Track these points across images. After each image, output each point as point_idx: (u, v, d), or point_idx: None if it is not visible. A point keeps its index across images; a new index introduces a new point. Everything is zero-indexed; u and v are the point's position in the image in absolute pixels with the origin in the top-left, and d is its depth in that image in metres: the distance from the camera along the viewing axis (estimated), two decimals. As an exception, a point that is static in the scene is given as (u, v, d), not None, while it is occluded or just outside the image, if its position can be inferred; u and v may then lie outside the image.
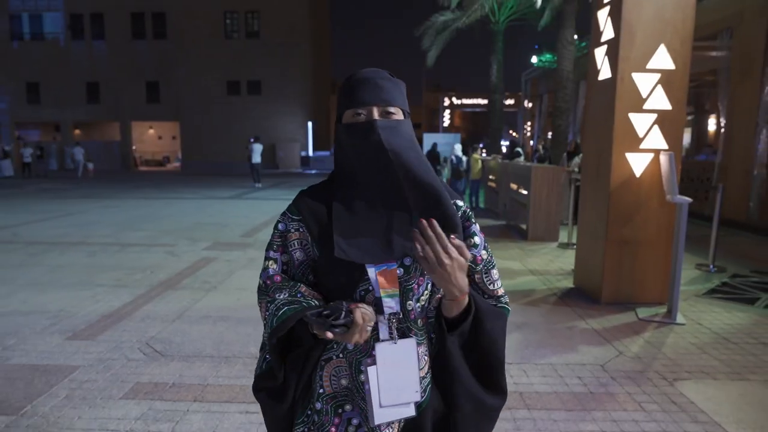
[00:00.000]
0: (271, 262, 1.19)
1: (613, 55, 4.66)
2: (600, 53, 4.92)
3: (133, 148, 34.51)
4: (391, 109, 1.11)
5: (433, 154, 14.10)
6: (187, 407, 2.84)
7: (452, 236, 1.03)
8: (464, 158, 11.74)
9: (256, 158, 18.26)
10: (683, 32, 4.52)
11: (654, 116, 4.62)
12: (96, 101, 33.43)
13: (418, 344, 1.14)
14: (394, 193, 1.08)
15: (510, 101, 35.31)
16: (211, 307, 4.60)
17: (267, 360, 1.19)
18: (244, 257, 6.62)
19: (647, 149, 4.65)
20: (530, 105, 27.17)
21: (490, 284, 1.23)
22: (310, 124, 33.03)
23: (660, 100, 4.59)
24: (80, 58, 33.01)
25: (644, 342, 3.92)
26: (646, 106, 4.61)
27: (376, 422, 1.08)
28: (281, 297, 1.10)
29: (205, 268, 6.04)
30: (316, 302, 1.08)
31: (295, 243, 1.17)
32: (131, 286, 5.29)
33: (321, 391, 1.15)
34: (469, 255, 1.05)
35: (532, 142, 25.21)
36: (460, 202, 1.21)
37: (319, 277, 1.17)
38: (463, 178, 11.77)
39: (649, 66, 4.56)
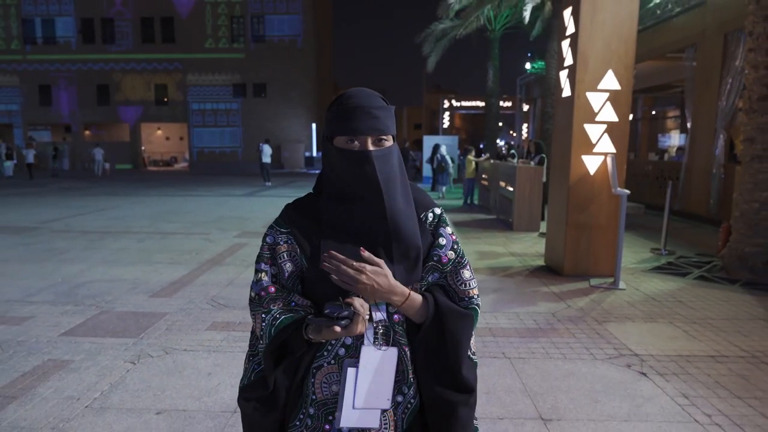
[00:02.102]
0: (263, 274, 1.22)
1: (572, 77, 5.87)
2: (563, 75, 6.13)
3: (142, 148, 35.68)
4: (384, 137, 1.15)
5: (431, 158, 15.36)
6: (254, 335, 4.05)
7: (361, 249, 1.12)
8: (448, 157, 13.32)
9: (266, 158, 19.46)
10: (626, 60, 5.72)
11: (604, 126, 5.82)
12: (106, 103, 34.58)
13: (406, 346, 1.20)
14: (378, 215, 1.14)
15: (508, 103, 36.49)
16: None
17: (256, 370, 1.22)
18: (270, 243, 7.82)
19: (599, 152, 5.86)
20: (527, 107, 28.36)
21: (460, 284, 1.26)
22: (314, 125, 34.24)
23: (609, 114, 5.80)
24: (91, 62, 34.18)
25: (589, 300, 5.13)
26: (597, 119, 5.81)
27: (342, 424, 1.15)
28: (276, 307, 1.16)
29: (241, 251, 7.26)
30: (310, 311, 1.16)
31: (284, 255, 1.20)
32: (183, 263, 6.50)
33: (313, 397, 1.19)
34: (376, 260, 1.12)
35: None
36: (437, 210, 1.29)
37: (307, 287, 1.21)
38: (444, 172, 13.59)
39: (599, 87, 5.76)
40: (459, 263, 1.26)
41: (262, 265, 1.22)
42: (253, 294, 1.21)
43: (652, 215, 10.63)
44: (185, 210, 11.95)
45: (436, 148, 14.76)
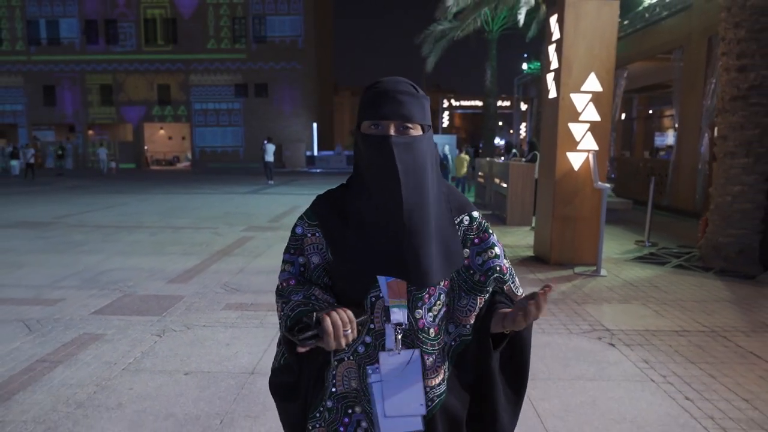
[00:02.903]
0: (287, 265, 1.23)
1: (557, 80, 6.30)
2: (550, 78, 6.57)
3: (145, 148, 36.15)
4: (409, 125, 1.11)
5: None
6: (265, 313, 4.49)
7: (544, 291, 1.05)
8: (449, 155, 13.84)
9: (269, 157, 19.91)
10: (607, 64, 6.16)
11: (587, 125, 6.26)
12: (109, 103, 35.06)
13: (428, 354, 1.16)
14: (395, 208, 1.09)
15: (507, 103, 37.00)
16: (261, 266, 6.26)
17: (285, 355, 1.24)
18: (276, 236, 8.27)
19: (582, 150, 6.29)
20: (525, 107, 28.81)
21: (517, 291, 1.27)
22: (314, 125, 34.70)
23: (591, 114, 6.24)
24: (95, 62, 34.64)
25: (571, 285, 5.57)
26: (581, 118, 6.25)
27: None
28: (296, 299, 1.15)
29: (248, 243, 7.71)
30: (327, 305, 1.12)
31: (312, 247, 1.21)
32: (195, 254, 6.94)
33: (333, 390, 1.18)
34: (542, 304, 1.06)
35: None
36: (475, 214, 1.24)
37: (333, 281, 1.21)
38: (445, 170, 14.25)
39: (582, 88, 6.20)
40: (511, 270, 1.28)
41: (288, 257, 1.23)
42: (278, 283, 1.23)
43: (640, 210, 11.03)
44: (192, 206, 12.40)
45: (434, 147, 15.34)
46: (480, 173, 13.59)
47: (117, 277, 5.68)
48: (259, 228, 9.17)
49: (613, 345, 3.88)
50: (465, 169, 13.91)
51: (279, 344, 1.29)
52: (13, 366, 3.41)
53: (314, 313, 1.04)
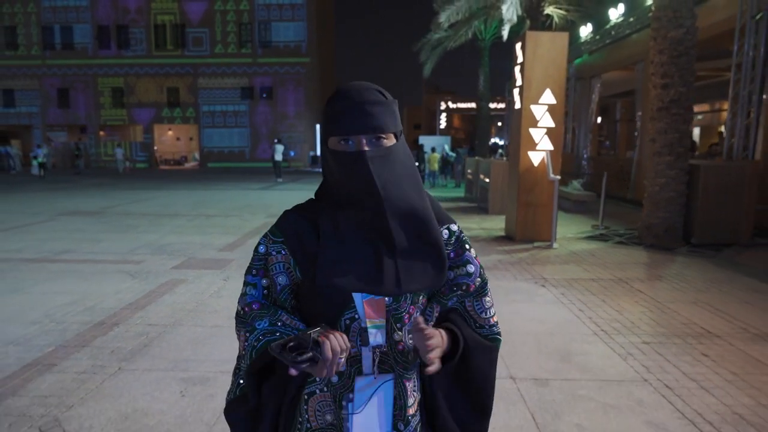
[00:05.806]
0: (249, 288, 1.15)
1: (521, 94, 7.96)
2: (516, 93, 8.23)
3: (155, 148, 37.82)
4: (382, 135, 1.05)
5: (419, 155, 17.86)
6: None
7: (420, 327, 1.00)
8: (452, 154, 15.66)
9: (278, 156, 21.57)
10: (559, 82, 7.82)
11: (544, 130, 7.92)
12: (120, 106, 36.73)
13: (407, 379, 1.12)
14: (380, 223, 1.05)
15: (501, 105, 38.67)
16: (287, 241, 7.92)
17: (240, 386, 1.17)
18: (294, 221, 9.93)
19: (540, 150, 7.95)
20: (518, 109, 30.53)
21: (481, 312, 1.20)
22: (317, 126, 36.39)
23: (547, 121, 7.89)
24: (106, 66, 36.31)
25: (528, 254, 7.23)
26: (539, 125, 7.91)
27: None
28: (261, 326, 1.08)
29: (272, 226, 9.36)
30: (297, 332, 1.05)
31: (278, 266, 1.13)
32: (231, 233, 8.61)
33: (308, 425, 1.13)
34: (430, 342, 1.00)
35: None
36: (454, 227, 1.19)
37: (302, 303, 1.14)
38: (448, 165, 16.42)
39: (540, 101, 7.85)
40: (481, 290, 1.22)
41: (250, 278, 1.16)
42: (239, 308, 1.15)
43: (608, 201, 12.70)
44: (216, 200, 14.06)
45: (421, 146, 17.36)
46: (469, 171, 15.27)
47: (177, 248, 7.35)
48: (279, 215, 10.81)
49: (543, 286, 5.54)
50: (436, 165, 16.06)
51: (234, 374, 1.21)
52: (134, 295, 5.08)
53: (310, 333, 0.96)
